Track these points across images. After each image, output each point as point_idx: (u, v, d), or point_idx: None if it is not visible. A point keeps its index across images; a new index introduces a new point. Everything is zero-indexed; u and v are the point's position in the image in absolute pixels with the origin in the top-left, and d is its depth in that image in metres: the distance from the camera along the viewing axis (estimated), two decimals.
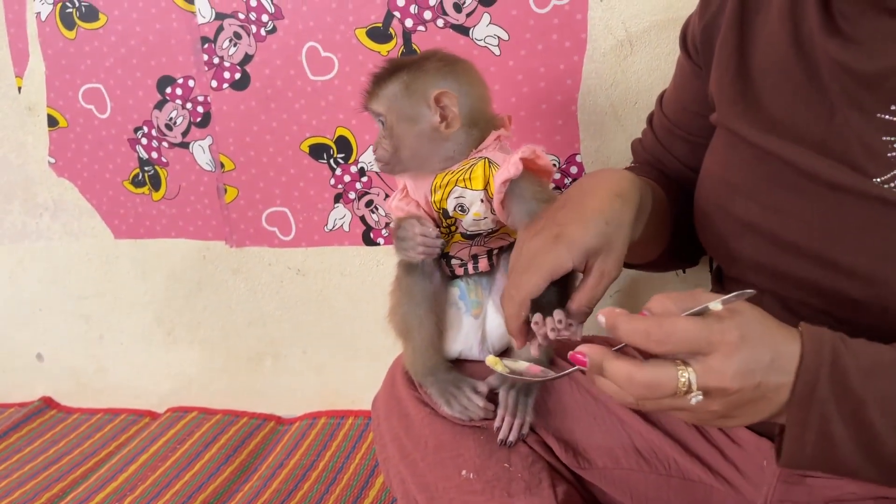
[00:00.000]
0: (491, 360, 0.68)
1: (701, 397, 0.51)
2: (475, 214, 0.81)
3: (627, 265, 0.87)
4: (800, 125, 0.66)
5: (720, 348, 0.51)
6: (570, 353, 0.56)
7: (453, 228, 0.83)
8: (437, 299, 0.87)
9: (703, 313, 0.52)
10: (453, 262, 0.86)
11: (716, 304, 0.52)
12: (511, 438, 0.84)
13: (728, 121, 0.73)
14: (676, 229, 0.88)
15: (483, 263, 0.86)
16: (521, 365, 0.69)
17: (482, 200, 0.80)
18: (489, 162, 0.80)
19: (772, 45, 0.71)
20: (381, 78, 0.82)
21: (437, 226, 0.83)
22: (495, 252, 0.87)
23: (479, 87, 0.84)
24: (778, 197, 0.68)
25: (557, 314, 0.71)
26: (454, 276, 0.88)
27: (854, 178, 0.62)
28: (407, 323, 0.88)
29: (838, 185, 0.63)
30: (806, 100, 0.67)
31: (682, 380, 0.51)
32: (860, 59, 0.62)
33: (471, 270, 0.86)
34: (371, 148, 0.85)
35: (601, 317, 0.54)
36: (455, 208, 0.81)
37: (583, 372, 0.57)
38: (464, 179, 0.80)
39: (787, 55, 0.68)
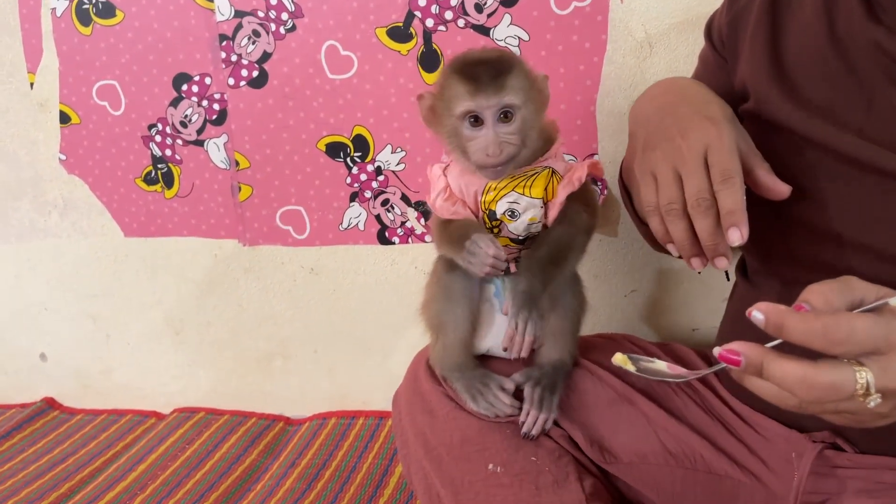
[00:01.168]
0: (620, 359, 0.62)
1: (880, 400, 0.48)
2: (531, 219, 0.81)
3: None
4: (839, 111, 0.67)
5: None
6: (719, 351, 0.51)
7: (496, 231, 0.83)
8: (474, 297, 0.88)
9: (876, 309, 0.49)
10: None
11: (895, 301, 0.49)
12: (534, 432, 0.84)
13: (767, 108, 0.73)
14: None
15: (513, 266, 0.86)
16: (658, 364, 0.62)
17: (541, 207, 0.81)
18: (553, 172, 0.81)
19: (807, 35, 0.72)
20: (506, 66, 0.78)
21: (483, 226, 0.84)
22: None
23: None
24: (819, 185, 0.68)
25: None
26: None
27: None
28: (441, 318, 0.88)
29: (883, 169, 0.63)
30: (844, 87, 0.67)
31: (861, 382, 0.47)
32: None
33: (512, 269, 0.86)
34: (471, 150, 0.79)
35: (758, 313, 0.49)
36: (505, 212, 0.81)
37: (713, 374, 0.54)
38: (523, 186, 0.81)
39: (823, 45, 0.69)
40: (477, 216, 0.83)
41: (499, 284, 0.87)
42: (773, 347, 0.51)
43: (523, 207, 0.81)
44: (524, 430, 0.84)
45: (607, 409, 0.88)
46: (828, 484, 0.75)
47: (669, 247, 0.69)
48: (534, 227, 0.83)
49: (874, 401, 0.48)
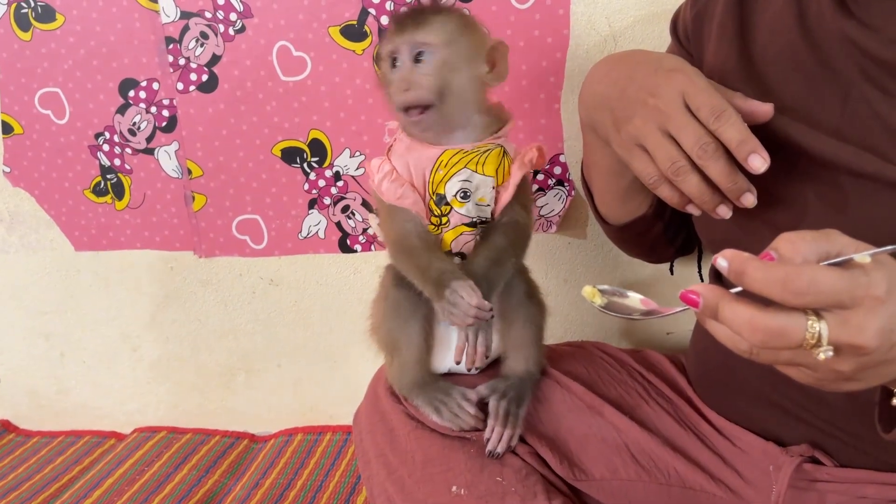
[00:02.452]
0: (588, 292, 0.57)
1: (831, 353, 0.45)
2: (480, 199, 0.78)
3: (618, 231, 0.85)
4: (814, 110, 0.64)
5: (864, 303, 0.45)
6: (682, 291, 0.50)
7: (444, 220, 0.79)
8: (427, 314, 0.83)
9: (844, 264, 0.46)
10: (455, 260, 0.82)
11: (863, 257, 0.46)
12: (499, 450, 0.81)
13: None
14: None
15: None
16: (633, 299, 0.58)
17: (493, 188, 0.78)
18: (505, 152, 0.79)
19: (776, 30, 0.68)
20: (433, 10, 0.76)
21: (429, 215, 0.80)
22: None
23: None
24: (792, 189, 0.65)
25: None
26: None
27: (876, 164, 0.59)
28: (394, 338, 0.84)
29: (859, 171, 0.60)
30: (817, 84, 0.64)
31: (812, 331, 0.45)
32: (879, 46, 0.60)
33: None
34: (391, 92, 0.77)
35: (722, 260, 0.48)
36: (457, 193, 0.78)
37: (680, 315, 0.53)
38: (476, 163, 0.77)
39: (794, 39, 0.66)
40: (424, 200, 0.79)
41: None
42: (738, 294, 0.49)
43: (475, 185, 0.78)
44: (489, 447, 0.81)
45: (576, 422, 0.85)
46: (807, 498, 0.72)
47: (689, 208, 0.65)
48: (484, 210, 0.79)
49: (825, 353, 0.46)
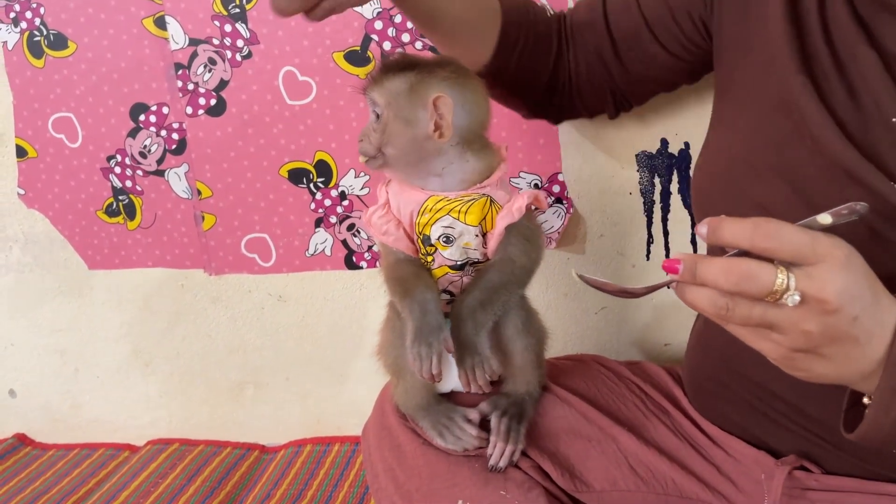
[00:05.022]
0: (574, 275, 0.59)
1: (798, 298, 0.49)
2: (465, 244, 0.79)
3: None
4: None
5: (827, 259, 0.49)
6: (663, 262, 0.53)
7: (430, 259, 0.82)
8: None
9: (810, 227, 0.50)
10: (442, 296, 0.84)
11: (825, 217, 0.50)
12: (501, 465, 0.83)
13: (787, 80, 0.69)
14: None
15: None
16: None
17: (476, 235, 0.79)
18: (492, 201, 0.79)
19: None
20: (390, 69, 0.78)
21: (417, 252, 0.82)
22: None
23: (481, 108, 0.80)
24: (809, 183, 0.67)
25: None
26: (446, 316, 0.87)
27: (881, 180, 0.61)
28: (398, 363, 0.86)
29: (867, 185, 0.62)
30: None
31: (781, 278, 0.49)
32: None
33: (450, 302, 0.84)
34: (359, 145, 0.81)
35: (702, 227, 0.51)
36: (440, 237, 0.79)
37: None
38: (459, 211, 0.78)
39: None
40: (412, 239, 0.82)
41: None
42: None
43: (458, 233, 0.79)
44: (491, 462, 0.83)
45: (576, 436, 0.88)
46: None
47: None
48: (472, 253, 0.81)
49: (791, 298, 0.49)
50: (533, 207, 0.82)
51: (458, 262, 0.81)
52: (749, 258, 0.50)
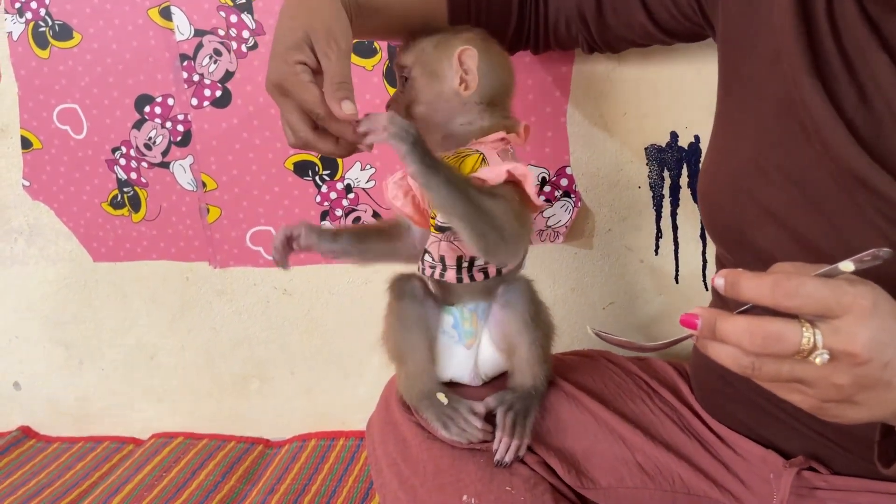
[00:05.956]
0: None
1: (827, 357, 0.47)
2: None
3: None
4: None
5: (853, 310, 0.47)
6: (681, 316, 0.52)
7: (433, 221, 0.82)
8: (429, 325, 0.85)
9: (832, 275, 0.48)
10: (426, 258, 0.84)
11: (847, 264, 0.48)
12: (507, 460, 0.82)
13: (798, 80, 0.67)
14: None
15: (450, 274, 0.83)
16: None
17: None
18: (483, 158, 0.78)
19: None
20: (417, 34, 0.81)
21: (424, 223, 0.82)
22: (465, 265, 0.83)
23: (504, 70, 0.83)
24: (818, 187, 0.65)
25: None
26: (446, 302, 0.86)
27: (892, 185, 0.59)
28: (400, 348, 0.86)
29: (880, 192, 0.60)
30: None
31: (807, 336, 0.47)
32: None
33: (437, 276, 0.83)
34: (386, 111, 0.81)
35: (718, 279, 0.50)
36: None
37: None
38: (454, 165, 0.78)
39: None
40: (422, 208, 0.83)
41: (456, 315, 0.85)
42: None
43: None
44: (497, 457, 0.82)
45: (583, 432, 0.87)
46: None
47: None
48: None
49: (821, 356, 0.47)
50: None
51: (442, 223, 0.81)
52: (769, 316, 0.48)
